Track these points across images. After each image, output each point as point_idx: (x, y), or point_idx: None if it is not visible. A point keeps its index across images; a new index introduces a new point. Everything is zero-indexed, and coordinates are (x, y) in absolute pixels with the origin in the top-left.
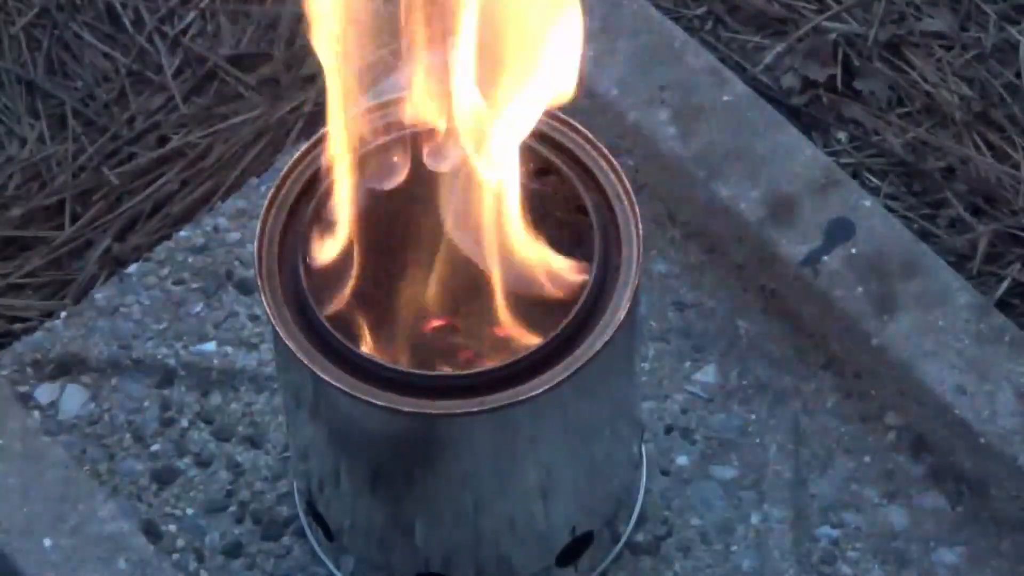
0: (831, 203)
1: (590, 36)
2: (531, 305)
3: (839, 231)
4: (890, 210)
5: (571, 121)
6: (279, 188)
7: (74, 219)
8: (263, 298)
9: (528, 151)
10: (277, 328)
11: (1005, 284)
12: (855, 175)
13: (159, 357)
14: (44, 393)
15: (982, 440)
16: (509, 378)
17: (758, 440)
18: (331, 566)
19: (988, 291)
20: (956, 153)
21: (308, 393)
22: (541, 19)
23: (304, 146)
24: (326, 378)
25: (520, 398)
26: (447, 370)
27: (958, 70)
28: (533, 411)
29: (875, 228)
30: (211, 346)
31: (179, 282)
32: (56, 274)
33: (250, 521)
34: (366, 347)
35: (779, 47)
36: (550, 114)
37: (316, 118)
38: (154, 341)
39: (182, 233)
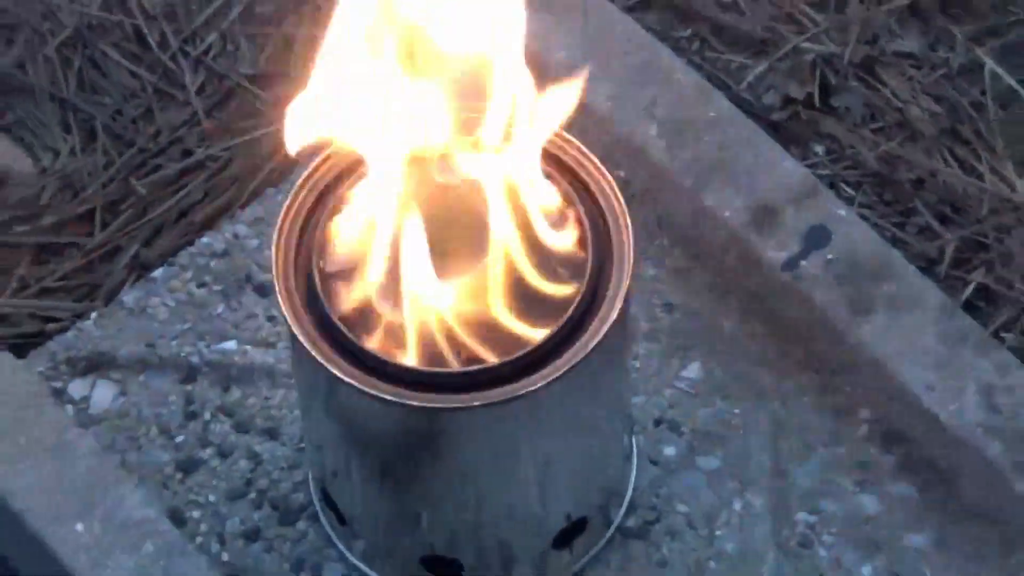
0: (809, 212)
1: (585, 55)
2: (530, 305)
3: (817, 238)
4: (864, 218)
5: (565, 134)
6: (295, 197)
7: (104, 226)
8: (279, 300)
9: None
10: (292, 328)
11: (970, 287)
12: (831, 186)
13: (183, 355)
14: (76, 388)
15: (948, 433)
16: (509, 375)
17: (741, 433)
18: (343, 549)
19: (955, 294)
20: (925, 166)
21: (321, 388)
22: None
23: (318, 158)
24: (338, 374)
25: (519, 393)
26: (451, 367)
27: (928, 88)
28: (531, 406)
29: (850, 235)
30: (231, 345)
31: (202, 285)
32: (87, 278)
33: (268, 507)
34: (376, 345)
35: (761, 66)
36: None
37: None
38: (178, 340)
39: (204, 239)
